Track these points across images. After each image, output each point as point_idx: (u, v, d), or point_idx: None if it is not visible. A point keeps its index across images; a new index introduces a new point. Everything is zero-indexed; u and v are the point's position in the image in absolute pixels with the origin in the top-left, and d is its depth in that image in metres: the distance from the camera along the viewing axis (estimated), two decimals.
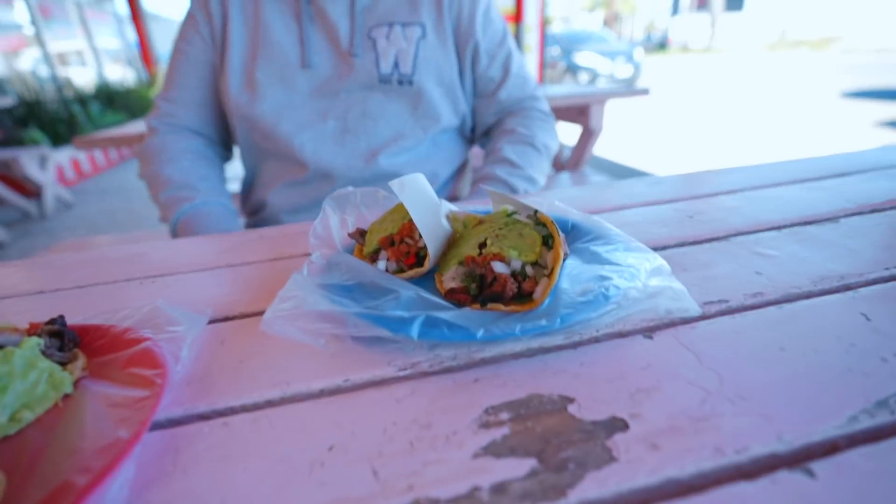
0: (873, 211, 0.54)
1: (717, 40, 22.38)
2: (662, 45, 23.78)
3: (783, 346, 0.32)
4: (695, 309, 0.36)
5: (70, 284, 0.51)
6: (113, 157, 6.17)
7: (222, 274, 0.51)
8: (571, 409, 0.28)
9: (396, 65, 0.87)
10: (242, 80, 0.87)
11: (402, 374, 0.32)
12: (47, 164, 4.27)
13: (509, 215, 0.44)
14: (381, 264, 0.44)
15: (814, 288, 0.39)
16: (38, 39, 6.46)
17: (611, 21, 32.82)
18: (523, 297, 0.38)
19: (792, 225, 0.52)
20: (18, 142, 4.89)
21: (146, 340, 0.35)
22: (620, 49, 10.48)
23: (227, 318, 0.42)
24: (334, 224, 0.50)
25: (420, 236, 0.44)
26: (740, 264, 0.44)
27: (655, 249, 0.48)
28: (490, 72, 0.94)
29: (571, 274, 0.38)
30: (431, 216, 0.44)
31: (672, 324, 0.36)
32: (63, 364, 0.34)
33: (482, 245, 0.41)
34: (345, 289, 0.37)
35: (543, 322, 0.32)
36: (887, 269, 0.41)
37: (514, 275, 0.38)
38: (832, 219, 0.53)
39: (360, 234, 0.49)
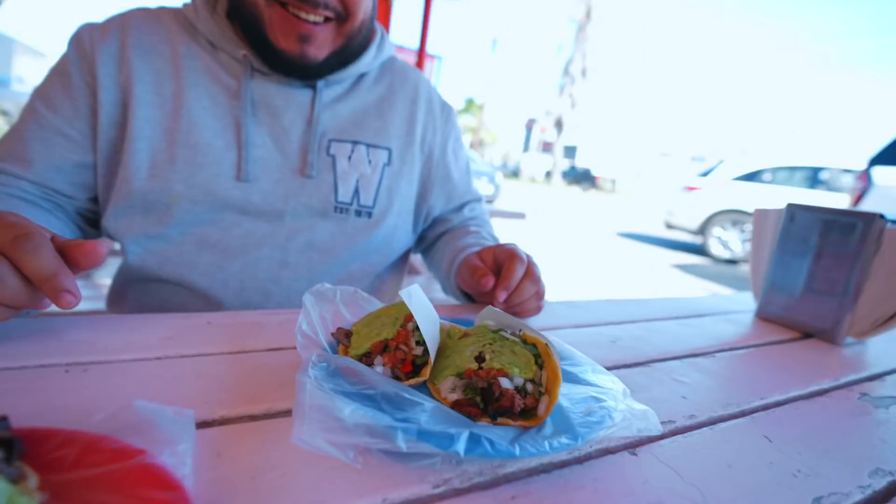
0: (731, 349, 0.71)
1: (555, 177, 26.98)
2: (515, 174, 27.76)
3: (730, 462, 0.41)
4: (657, 428, 0.43)
5: None
6: None
7: (175, 366, 0.45)
8: None
9: (357, 193, 0.77)
10: (149, 188, 0.68)
11: (436, 491, 0.33)
12: None
13: (495, 332, 0.49)
14: (378, 370, 0.44)
15: (725, 412, 0.50)
16: None
17: (476, 146, 37.56)
18: (525, 412, 0.41)
19: (686, 356, 0.65)
20: None
21: (137, 454, 0.29)
22: (485, 171, 11.95)
23: (206, 423, 0.37)
24: (316, 320, 0.49)
25: (417, 343, 0.46)
26: (668, 389, 0.54)
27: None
28: (455, 204, 0.94)
29: (563, 394, 0.43)
30: (433, 327, 0.46)
31: (640, 441, 0.42)
32: (13, 483, 0.27)
33: (478, 358, 0.45)
34: (367, 398, 0.37)
35: (565, 440, 0.36)
36: (762, 398, 0.55)
37: (517, 390, 0.42)
38: (709, 353, 0.68)
39: (345, 336, 0.49)
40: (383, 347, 0.46)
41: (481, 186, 11.43)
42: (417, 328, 0.47)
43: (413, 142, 0.85)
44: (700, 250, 7.30)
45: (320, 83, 0.76)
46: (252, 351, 0.50)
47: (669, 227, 7.45)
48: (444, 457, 0.34)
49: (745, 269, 6.48)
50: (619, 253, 6.64)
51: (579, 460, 0.38)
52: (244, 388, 0.42)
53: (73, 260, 0.43)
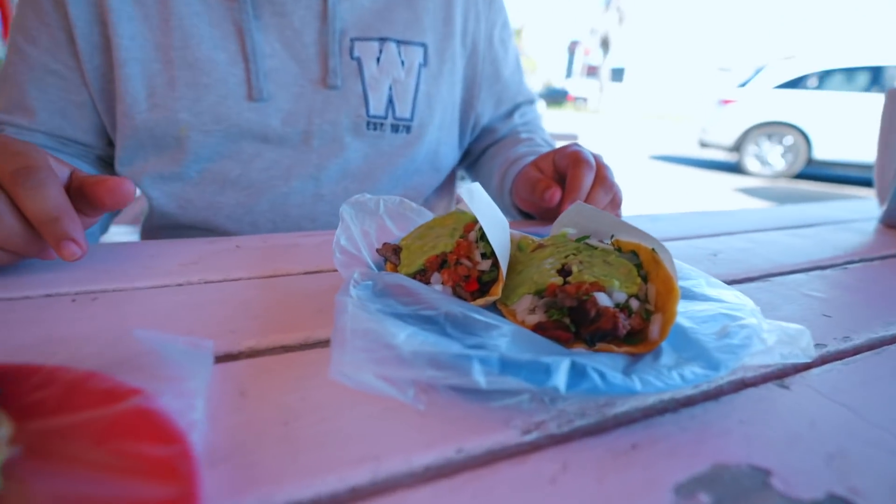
0: (861, 260, 0.58)
1: (603, 104, 25.31)
2: (560, 102, 26.25)
3: None
4: (810, 352, 0.32)
5: None
6: None
7: (197, 292, 0.38)
8: (776, 484, 0.22)
9: (391, 103, 0.65)
10: (154, 118, 0.58)
11: (527, 439, 0.24)
12: None
13: (580, 240, 0.39)
14: (437, 289, 0.35)
15: (886, 332, 0.38)
16: None
17: None
18: (631, 336, 0.31)
19: (810, 269, 0.52)
20: None
21: (133, 394, 0.22)
22: None
23: (229, 356, 0.30)
24: (357, 235, 0.40)
25: (482, 256, 0.36)
26: (802, 306, 0.42)
27: None
28: (505, 109, 0.79)
29: (680, 312, 0.33)
30: (502, 233, 0.37)
31: (784, 371, 0.32)
32: None
33: (563, 272, 0.35)
34: (431, 320, 0.28)
35: (699, 369, 0.26)
36: None
37: (619, 308, 0.32)
38: (837, 265, 0.55)
39: (393, 252, 0.40)
40: (441, 262, 0.37)
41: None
42: (481, 239, 0.38)
43: (452, 33, 0.69)
44: (735, 168, 6.58)
45: None
46: (286, 274, 0.42)
47: (704, 145, 6.73)
48: (535, 394, 0.26)
49: (798, 185, 5.80)
50: (649, 177, 6.07)
51: (711, 395, 0.29)
52: (276, 315, 0.35)
53: (97, 198, 0.37)
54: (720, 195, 5.12)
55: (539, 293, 0.34)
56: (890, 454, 0.24)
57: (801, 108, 5.91)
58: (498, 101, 0.79)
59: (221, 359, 0.29)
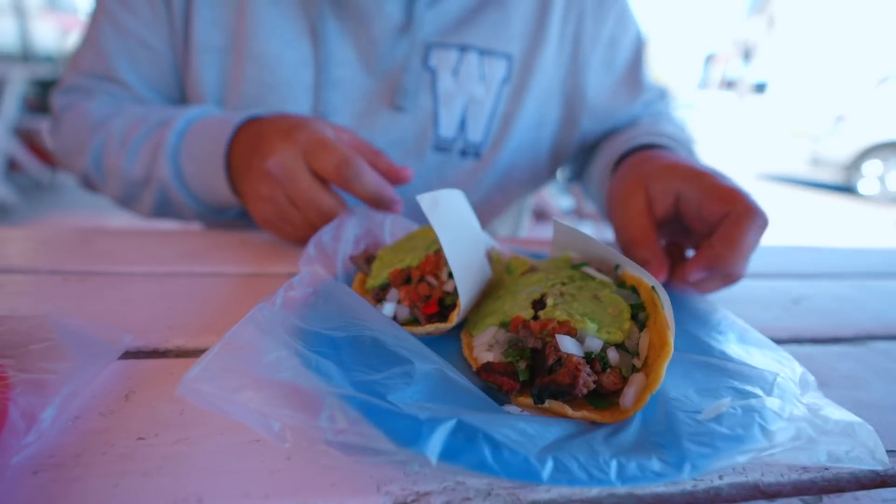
0: None
1: (738, 119, 22.85)
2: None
3: None
4: (878, 458, 0.22)
5: None
6: None
7: (178, 283, 0.38)
8: None
9: (463, 124, 0.57)
10: (221, 112, 0.54)
11: None
12: None
13: (576, 267, 0.31)
14: (388, 308, 0.31)
15: None
16: None
17: None
18: (601, 397, 0.24)
19: None
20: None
21: None
22: None
23: (156, 353, 0.28)
24: (347, 238, 0.37)
25: (449, 276, 0.31)
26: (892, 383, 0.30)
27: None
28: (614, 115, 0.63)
29: (675, 372, 0.25)
30: (469, 249, 0.31)
31: (838, 483, 0.22)
32: None
33: (538, 304, 0.28)
34: (331, 343, 0.24)
35: (657, 466, 0.18)
36: None
37: (589, 359, 0.25)
38: None
39: (366, 261, 0.36)
40: (405, 278, 0.32)
41: None
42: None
43: (546, 39, 0.58)
44: (848, 189, 5.58)
45: None
46: (271, 275, 0.41)
47: (816, 163, 5.83)
48: (417, 458, 0.20)
49: None
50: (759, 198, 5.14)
51: (687, 499, 0.21)
52: (236, 314, 0.33)
53: (381, 173, 0.43)
54: (832, 222, 4.25)
55: (504, 325, 0.28)
56: None
57: None
58: (607, 113, 0.63)
59: (147, 354, 0.28)
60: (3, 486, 0.18)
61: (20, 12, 5.21)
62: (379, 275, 0.34)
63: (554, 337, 0.25)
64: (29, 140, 3.99)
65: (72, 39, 6.09)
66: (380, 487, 0.20)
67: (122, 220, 1.72)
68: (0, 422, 0.19)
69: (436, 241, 0.34)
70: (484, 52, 0.56)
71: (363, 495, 0.19)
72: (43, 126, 3.73)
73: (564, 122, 0.62)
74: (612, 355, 0.25)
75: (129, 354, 0.28)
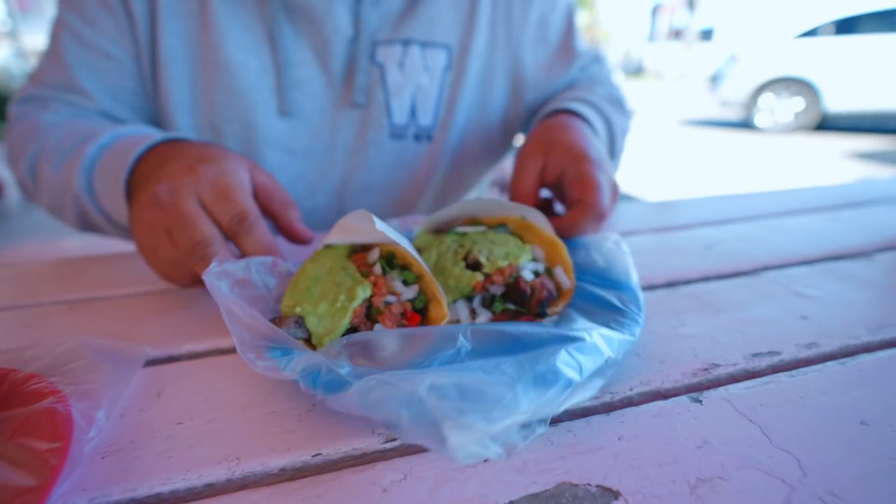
0: None
1: (690, 68, 23.26)
2: (639, 71, 24.54)
3: (864, 418, 0.26)
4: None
5: None
6: None
7: (175, 298, 0.42)
8: None
9: (413, 112, 0.63)
10: (194, 123, 0.59)
11: (389, 446, 0.25)
12: None
13: (450, 233, 0.39)
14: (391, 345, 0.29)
15: (873, 338, 0.34)
16: (13, 34, 6.20)
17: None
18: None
19: (823, 259, 0.47)
20: None
21: (51, 395, 0.26)
22: None
23: (171, 359, 0.34)
24: (245, 314, 0.28)
25: (404, 283, 0.33)
26: (780, 305, 0.38)
27: (677, 283, 0.42)
28: (546, 83, 0.69)
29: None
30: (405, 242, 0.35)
31: (718, 381, 0.30)
32: None
33: (472, 266, 0.35)
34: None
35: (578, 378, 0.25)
36: None
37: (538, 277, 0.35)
38: (864, 254, 0.48)
39: (296, 324, 0.31)
40: (366, 312, 0.32)
41: None
42: (388, 266, 0.35)
43: (476, 28, 0.63)
44: (747, 125, 6.31)
45: None
46: None
47: (724, 104, 6.48)
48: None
49: (812, 139, 5.25)
50: (678, 145, 5.49)
51: (608, 408, 0.28)
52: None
53: (281, 231, 0.43)
54: (735, 157, 4.64)
55: (468, 296, 0.35)
56: (779, 482, 0.22)
57: (809, 59, 5.69)
58: (546, 83, 0.69)
59: (163, 360, 0.33)
60: (82, 470, 0.24)
61: None
62: (331, 326, 0.31)
63: (517, 275, 0.34)
64: None
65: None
66: (373, 430, 0.26)
67: (82, 241, 1.70)
68: (69, 424, 0.24)
69: (346, 266, 0.34)
70: (425, 45, 0.61)
71: (362, 437, 0.25)
72: None
73: (511, 100, 0.68)
74: (541, 267, 0.36)
75: (150, 363, 0.33)
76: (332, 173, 0.64)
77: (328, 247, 0.37)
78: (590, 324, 0.32)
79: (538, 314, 0.34)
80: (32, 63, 6.17)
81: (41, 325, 0.39)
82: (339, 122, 0.61)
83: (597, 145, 0.50)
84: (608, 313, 0.33)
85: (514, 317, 0.35)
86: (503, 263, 0.34)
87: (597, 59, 0.73)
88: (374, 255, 0.34)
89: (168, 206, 0.37)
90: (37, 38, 6.73)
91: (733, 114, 6.66)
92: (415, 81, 0.61)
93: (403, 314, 0.33)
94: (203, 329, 0.37)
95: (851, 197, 0.67)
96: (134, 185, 0.43)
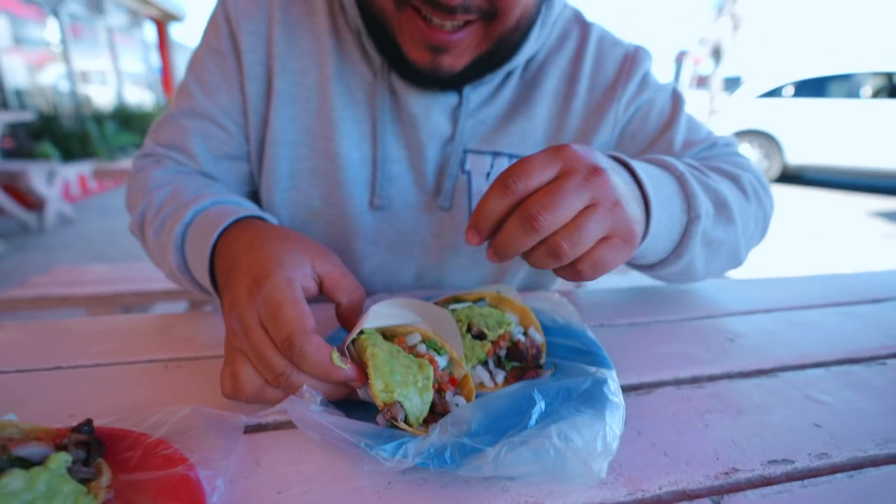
0: None
1: (711, 117, 23.38)
2: None
3: None
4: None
5: (89, 361, 0.48)
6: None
7: None
8: None
9: None
10: (290, 200, 0.65)
11: None
12: (54, 180, 4.30)
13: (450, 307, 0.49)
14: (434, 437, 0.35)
15: (879, 452, 0.38)
16: (65, 57, 6.65)
17: None
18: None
19: (838, 362, 0.51)
20: (29, 154, 4.94)
21: (180, 462, 0.32)
22: None
23: (260, 427, 0.39)
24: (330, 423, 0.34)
25: (437, 352, 0.40)
26: (796, 411, 0.42)
27: (701, 379, 0.47)
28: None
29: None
30: (450, 324, 0.44)
31: (738, 486, 0.34)
32: (87, 481, 0.32)
33: (477, 336, 0.44)
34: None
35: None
36: None
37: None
38: (877, 358, 0.52)
39: (402, 407, 0.36)
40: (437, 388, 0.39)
41: None
42: (422, 343, 0.40)
43: (565, 140, 0.66)
44: None
45: (466, 88, 0.63)
46: None
47: None
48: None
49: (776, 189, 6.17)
50: None
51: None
52: None
53: (341, 320, 0.46)
54: None
55: (483, 361, 0.44)
56: None
57: (774, 116, 6.61)
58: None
59: (254, 429, 0.39)
60: None
61: None
62: (419, 405, 0.36)
63: (514, 339, 0.43)
64: (7, 184, 4.04)
65: (46, 74, 6.19)
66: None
67: (108, 266, 1.81)
68: (201, 492, 0.30)
69: (396, 347, 0.39)
70: (513, 157, 0.65)
71: None
72: (20, 169, 3.80)
73: None
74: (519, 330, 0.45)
75: (245, 430, 0.39)
76: (409, 268, 0.69)
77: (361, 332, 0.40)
78: (591, 368, 0.41)
79: (538, 366, 0.44)
80: (80, 84, 6.64)
81: (143, 385, 0.45)
82: (421, 221, 0.66)
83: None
84: (581, 356, 0.44)
85: (521, 371, 0.44)
86: (501, 331, 0.43)
87: (713, 145, 0.68)
88: (416, 338, 0.40)
89: (243, 334, 0.39)
90: (86, 62, 7.20)
91: None
92: None
93: (439, 381, 0.39)
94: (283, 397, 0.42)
95: (869, 290, 0.70)
96: (217, 270, 0.49)
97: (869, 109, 5.96)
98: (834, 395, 0.45)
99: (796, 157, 6.48)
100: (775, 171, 6.67)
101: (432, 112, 0.62)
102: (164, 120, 0.66)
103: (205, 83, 0.63)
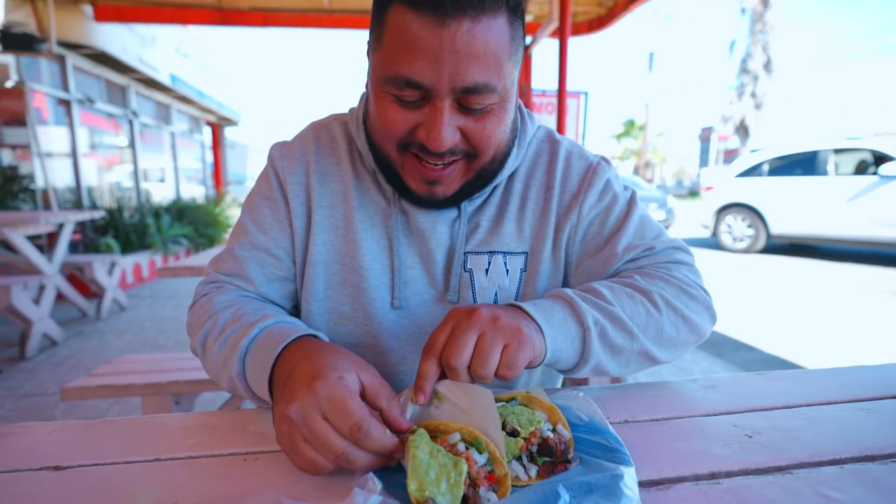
0: None
1: None
2: (694, 193, 24.95)
3: None
4: None
5: (183, 454, 0.57)
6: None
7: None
8: None
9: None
10: (325, 308, 0.78)
11: None
12: (114, 270, 4.65)
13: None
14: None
15: None
16: (133, 159, 7.46)
17: (641, 169, 35.10)
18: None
19: (854, 460, 0.54)
20: (94, 248, 5.40)
21: None
22: (653, 196, 11.05)
23: None
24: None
25: (478, 452, 0.46)
26: None
27: (719, 475, 0.51)
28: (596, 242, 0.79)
29: None
30: (493, 422, 0.50)
31: None
32: None
33: (511, 433, 0.50)
34: None
35: None
36: None
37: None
38: (894, 456, 0.55)
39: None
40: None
41: (652, 214, 10.53)
42: (462, 441, 0.48)
43: (546, 237, 0.78)
44: (713, 244, 8.57)
45: (463, 203, 0.77)
46: None
47: (704, 227, 8.60)
48: None
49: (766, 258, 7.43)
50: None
51: None
52: None
53: (385, 422, 0.52)
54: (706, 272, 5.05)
55: (517, 456, 0.49)
56: None
57: (756, 191, 7.65)
58: (603, 268, 0.78)
59: None
60: None
61: (74, 158, 5.90)
62: (452, 501, 0.42)
63: (544, 436, 0.49)
64: (71, 274, 4.41)
65: (112, 174, 6.94)
66: None
67: (164, 355, 1.95)
68: None
69: (438, 449, 0.46)
70: (506, 254, 0.78)
71: None
72: (86, 262, 4.16)
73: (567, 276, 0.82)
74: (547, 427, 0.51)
75: None
76: None
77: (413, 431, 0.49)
78: (611, 464, 0.47)
79: (566, 461, 0.49)
80: (142, 182, 7.39)
81: (228, 476, 0.53)
82: (435, 314, 0.78)
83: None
84: (604, 453, 0.50)
85: (552, 465, 0.49)
86: (532, 428, 0.50)
87: (650, 248, 0.77)
88: (456, 437, 0.48)
89: (301, 425, 0.48)
90: (148, 163, 8.02)
91: (707, 233, 8.68)
92: (497, 283, 0.78)
93: (475, 477, 0.45)
94: (347, 489, 0.49)
95: (891, 385, 0.73)
96: (276, 379, 0.59)
97: (834, 184, 6.87)
98: (846, 492, 0.48)
99: (779, 228, 7.49)
100: (762, 241, 7.75)
101: (437, 225, 0.77)
102: (226, 254, 0.80)
103: (259, 222, 0.79)
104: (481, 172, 0.72)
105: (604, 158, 0.83)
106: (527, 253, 0.79)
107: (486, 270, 0.77)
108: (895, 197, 6.15)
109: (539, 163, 0.82)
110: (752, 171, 7.76)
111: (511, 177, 0.81)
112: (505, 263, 0.78)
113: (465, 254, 0.77)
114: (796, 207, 7.20)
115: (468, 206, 0.78)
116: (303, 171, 0.79)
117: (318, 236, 0.78)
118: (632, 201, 0.80)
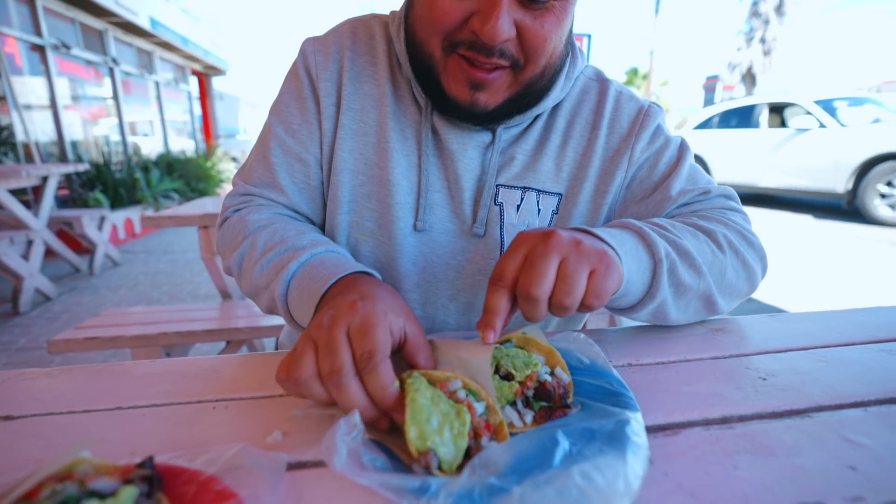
0: None
1: None
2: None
3: None
4: None
5: (147, 401, 0.52)
6: None
7: (298, 403, 0.51)
8: None
9: None
10: (348, 222, 0.73)
11: None
12: (104, 225, 4.56)
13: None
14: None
15: None
16: (117, 111, 7.18)
17: None
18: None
19: (877, 402, 0.50)
20: (83, 202, 5.28)
21: (231, 497, 0.35)
22: None
23: (300, 465, 0.42)
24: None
25: (475, 399, 0.43)
26: (830, 453, 0.42)
27: (731, 420, 0.47)
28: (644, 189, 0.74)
29: None
30: (484, 368, 0.45)
31: None
32: None
33: (506, 377, 0.45)
34: None
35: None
36: None
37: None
38: None
39: (436, 456, 0.38)
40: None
41: None
42: (462, 389, 0.43)
43: (585, 179, 0.73)
44: None
45: (499, 128, 0.71)
46: None
47: None
48: None
49: None
50: None
51: None
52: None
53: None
54: None
55: (511, 402, 0.44)
56: None
57: (706, 143, 8.15)
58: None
59: (297, 465, 0.42)
60: None
61: (54, 109, 5.68)
62: (454, 452, 0.38)
63: (542, 380, 0.44)
64: (60, 230, 4.32)
65: (99, 127, 6.70)
66: None
67: (148, 307, 1.91)
68: None
69: (440, 395, 0.42)
70: (541, 192, 0.73)
71: None
72: (74, 216, 4.07)
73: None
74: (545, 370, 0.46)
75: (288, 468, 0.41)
76: (443, 289, 0.75)
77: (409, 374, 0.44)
78: (616, 409, 0.43)
79: (566, 405, 0.45)
80: (129, 135, 7.18)
81: (193, 424, 0.48)
82: (457, 246, 0.73)
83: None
84: (607, 396, 0.46)
85: (550, 411, 0.45)
86: (528, 372, 0.45)
87: (706, 192, 0.73)
88: (457, 384, 0.43)
89: (325, 328, 0.44)
90: (133, 115, 7.75)
91: None
92: (527, 222, 0.72)
93: (476, 426, 0.41)
94: (318, 438, 0.45)
95: None
96: (321, 303, 0.55)
97: (765, 136, 7.30)
98: (872, 436, 0.44)
99: (720, 177, 7.86)
100: None
101: (468, 149, 0.71)
102: (255, 162, 0.75)
103: (288, 124, 0.73)
104: (528, 87, 0.66)
105: (655, 103, 0.77)
106: (561, 195, 0.74)
107: (518, 207, 0.72)
108: (805, 147, 6.65)
109: (586, 100, 0.76)
110: (706, 124, 8.31)
111: (554, 110, 0.75)
112: (538, 202, 0.73)
113: (496, 186, 0.72)
114: (733, 158, 7.76)
115: (504, 133, 0.72)
116: (336, 68, 0.73)
117: (343, 141, 0.72)
118: (683, 146, 0.76)
